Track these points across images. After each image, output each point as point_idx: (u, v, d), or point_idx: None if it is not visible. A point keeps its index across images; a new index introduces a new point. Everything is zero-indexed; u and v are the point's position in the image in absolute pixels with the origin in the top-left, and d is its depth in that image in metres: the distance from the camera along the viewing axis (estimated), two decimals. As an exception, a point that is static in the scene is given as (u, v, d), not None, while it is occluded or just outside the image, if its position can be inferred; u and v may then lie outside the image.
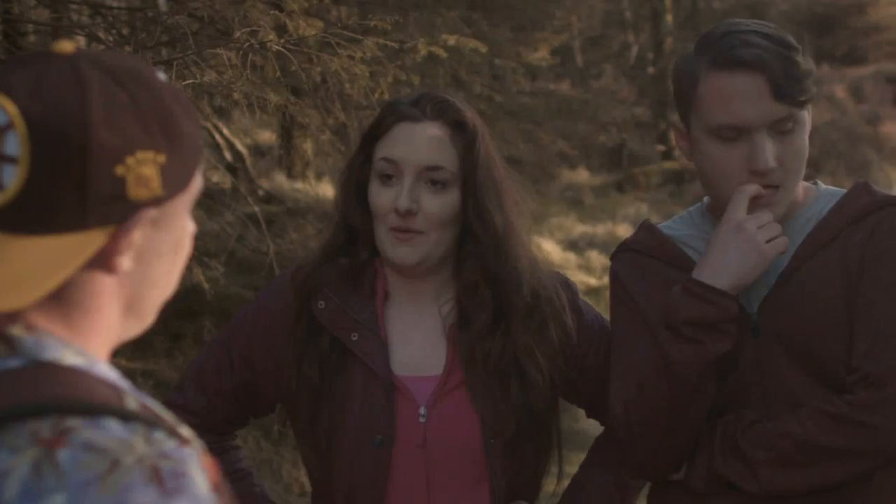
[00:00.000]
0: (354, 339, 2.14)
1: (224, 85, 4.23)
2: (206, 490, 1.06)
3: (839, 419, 1.96)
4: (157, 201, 1.16)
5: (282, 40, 4.16)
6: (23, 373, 1.08)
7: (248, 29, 4.15)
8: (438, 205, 2.12)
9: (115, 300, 1.18)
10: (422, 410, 2.14)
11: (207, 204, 7.90)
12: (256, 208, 7.05)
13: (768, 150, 1.99)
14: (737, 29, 2.04)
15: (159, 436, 1.06)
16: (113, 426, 1.05)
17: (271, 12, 4.30)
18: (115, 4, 6.47)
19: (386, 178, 2.13)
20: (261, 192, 9.88)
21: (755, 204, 2.02)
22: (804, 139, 2.05)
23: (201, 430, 2.21)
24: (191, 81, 4.19)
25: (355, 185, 2.18)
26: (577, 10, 15.62)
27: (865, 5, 25.52)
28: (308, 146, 9.62)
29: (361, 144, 2.19)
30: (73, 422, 1.04)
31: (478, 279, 2.14)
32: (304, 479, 6.49)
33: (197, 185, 1.23)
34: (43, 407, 1.05)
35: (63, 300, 1.14)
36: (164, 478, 1.02)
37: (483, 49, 4.53)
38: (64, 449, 1.02)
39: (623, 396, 2.08)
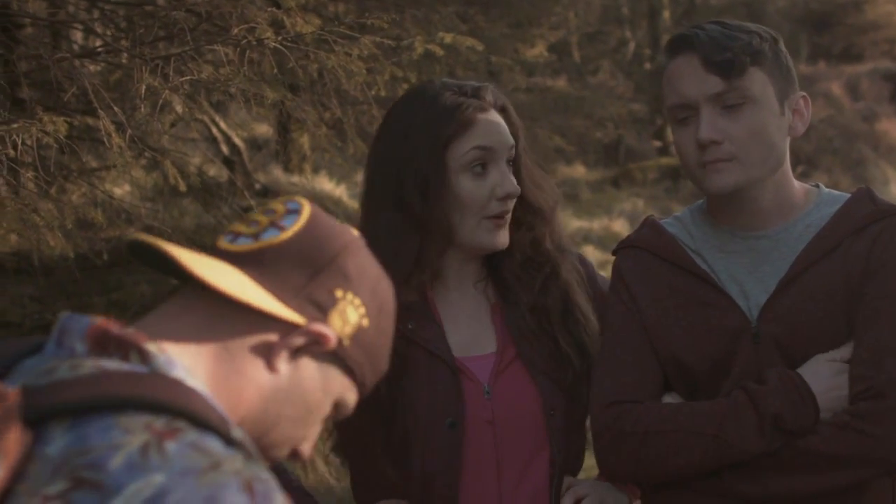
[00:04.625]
0: (411, 327, 2.17)
1: (221, 81, 4.25)
2: None
3: (841, 428, 1.97)
4: (338, 342, 1.32)
5: (279, 37, 4.18)
6: (148, 376, 1.19)
7: (246, 25, 4.16)
8: (516, 185, 2.21)
9: (252, 398, 1.29)
10: (485, 388, 2.17)
11: (204, 197, 7.91)
12: (253, 202, 7.06)
13: (706, 123, 2.04)
14: (690, 26, 2.15)
15: (255, 465, 1.15)
16: (216, 443, 1.14)
17: (269, 9, 4.32)
18: (113, -2, 6.47)
19: (479, 169, 2.16)
20: (257, 186, 9.89)
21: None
22: (761, 116, 2.06)
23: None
24: (188, 77, 4.21)
25: (422, 191, 2.16)
26: (574, 6, 15.61)
27: (862, 3, 25.52)
28: (305, 140, 9.63)
29: (431, 151, 2.15)
30: (184, 425, 1.13)
31: (528, 247, 2.24)
32: (300, 472, 6.51)
33: (351, 400, 1.38)
34: (160, 405, 1.14)
35: (221, 364, 1.27)
36: (255, 493, 1.10)
37: (479, 47, 4.55)
38: (173, 441, 1.11)
39: (606, 399, 2.10)
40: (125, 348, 1.21)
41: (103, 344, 1.21)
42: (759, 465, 2.01)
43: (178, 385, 1.18)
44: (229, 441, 1.15)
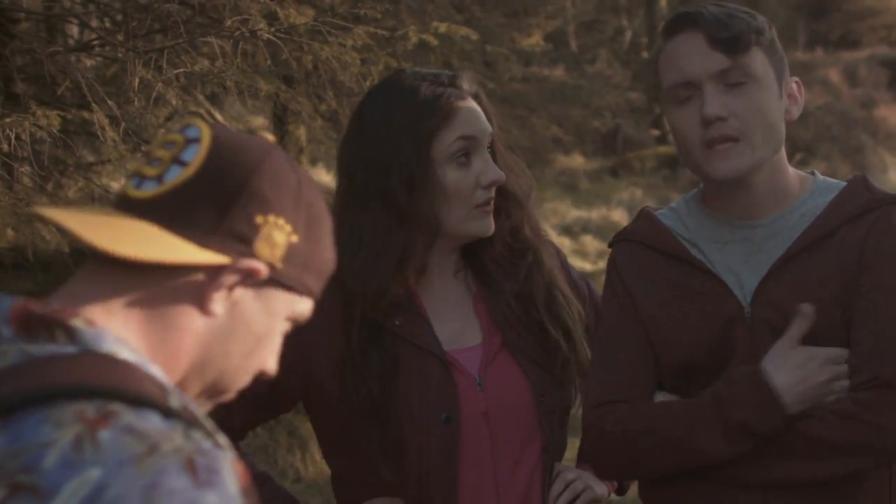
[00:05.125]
0: (398, 323, 2.14)
1: (215, 73, 4.24)
2: (236, 491, 1.10)
3: (845, 417, 1.96)
4: (271, 268, 1.25)
5: (272, 29, 4.17)
6: (77, 358, 1.14)
7: (239, 17, 4.16)
8: (500, 172, 2.19)
9: (192, 347, 1.25)
10: (476, 379, 2.16)
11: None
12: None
13: (712, 99, 2.03)
14: (687, 8, 2.15)
15: (197, 434, 1.11)
16: (154, 418, 1.10)
17: (262, 0, 4.30)
18: (107, -8, 6.46)
19: (464, 159, 2.14)
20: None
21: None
22: (763, 96, 2.05)
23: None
24: (182, 70, 4.20)
25: (407, 185, 2.13)
26: (570, -5, 15.59)
27: (860, -11, 25.49)
28: (301, 133, 9.62)
29: (415, 145, 2.12)
30: (118, 407, 1.09)
31: (508, 235, 2.23)
32: (300, 465, 6.52)
33: (304, 308, 1.32)
34: (91, 390, 1.10)
35: (152, 321, 1.22)
36: (198, 469, 1.07)
37: (473, 36, 4.54)
38: (106, 429, 1.06)
39: (596, 399, 2.10)
40: (51, 327, 1.15)
41: (29, 324, 1.16)
42: (757, 452, 2.00)
43: (108, 362, 1.14)
44: (168, 413, 1.11)
